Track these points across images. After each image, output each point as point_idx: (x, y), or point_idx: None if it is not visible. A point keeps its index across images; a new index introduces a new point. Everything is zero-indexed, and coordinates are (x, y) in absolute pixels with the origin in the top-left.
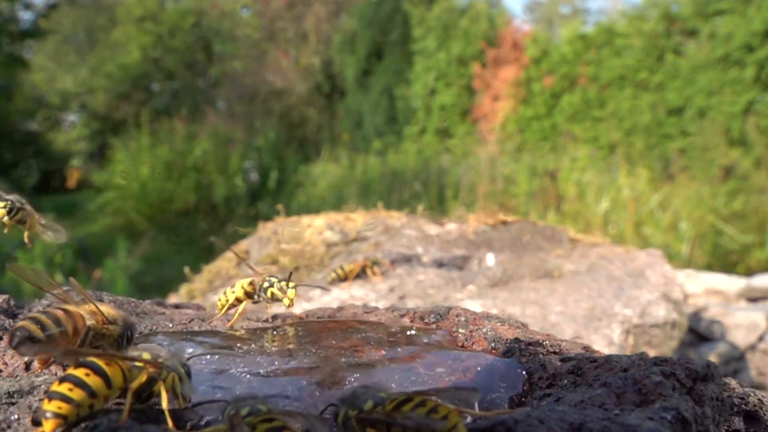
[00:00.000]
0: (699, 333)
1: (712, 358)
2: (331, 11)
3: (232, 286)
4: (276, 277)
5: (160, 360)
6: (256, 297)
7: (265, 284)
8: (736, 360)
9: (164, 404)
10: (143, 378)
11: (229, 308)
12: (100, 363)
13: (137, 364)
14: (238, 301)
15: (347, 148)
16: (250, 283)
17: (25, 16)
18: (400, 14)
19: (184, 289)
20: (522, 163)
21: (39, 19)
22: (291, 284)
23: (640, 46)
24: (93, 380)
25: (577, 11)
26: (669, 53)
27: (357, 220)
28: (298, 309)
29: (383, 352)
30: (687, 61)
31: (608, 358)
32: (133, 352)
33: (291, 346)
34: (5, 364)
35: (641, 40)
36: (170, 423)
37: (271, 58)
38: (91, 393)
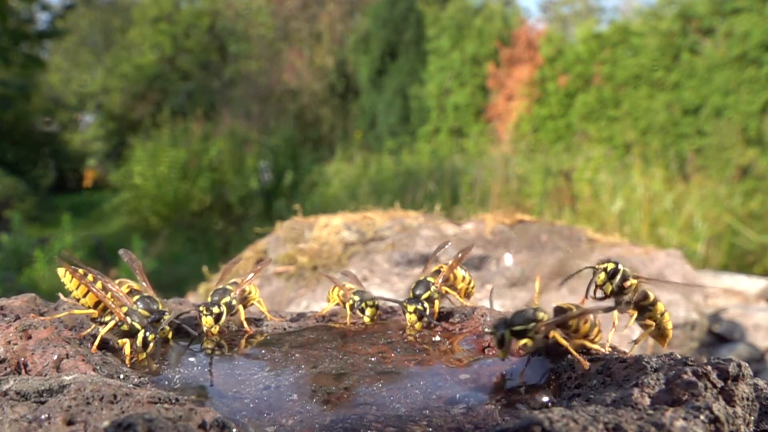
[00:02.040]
0: (718, 334)
1: None
2: (345, 11)
3: (332, 290)
4: (360, 295)
5: (125, 308)
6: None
7: (350, 300)
8: (756, 361)
9: (126, 350)
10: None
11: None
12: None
13: (113, 304)
14: (337, 305)
15: (361, 148)
16: (342, 294)
17: (42, 17)
18: (414, 14)
19: (202, 288)
20: (536, 162)
21: (56, 19)
22: (369, 303)
23: (656, 45)
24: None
25: (591, 10)
26: (685, 52)
27: (374, 219)
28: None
29: (409, 358)
30: (703, 60)
31: (638, 359)
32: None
33: (316, 352)
34: (34, 363)
35: (657, 38)
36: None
37: (286, 58)
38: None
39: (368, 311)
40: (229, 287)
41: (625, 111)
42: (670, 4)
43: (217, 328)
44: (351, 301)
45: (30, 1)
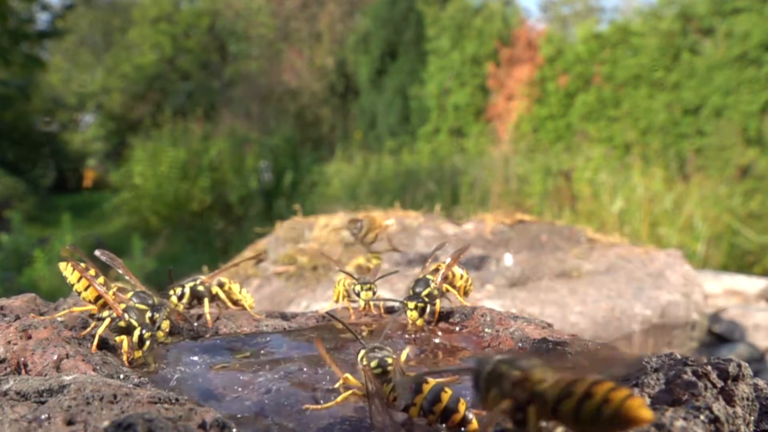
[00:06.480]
0: (718, 334)
1: None
2: (345, 11)
3: (338, 283)
4: (360, 281)
5: (122, 304)
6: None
7: (350, 286)
8: (756, 361)
9: (124, 346)
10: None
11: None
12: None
13: (111, 298)
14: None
15: (361, 148)
16: (348, 284)
17: (42, 17)
18: (414, 14)
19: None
20: (536, 162)
21: (56, 19)
22: (366, 287)
23: (656, 45)
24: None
25: (591, 10)
26: (685, 52)
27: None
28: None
29: (409, 358)
30: (703, 60)
31: (638, 359)
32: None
33: (316, 352)
34: (34, 363)
35: (657, 38)
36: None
37: (286, 58)
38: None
39: (363, 294)
40: (201, 276)
41: (625, 111)
42: (670, 4)
43: (181, 306)
44: (350, 287)
45: (30, 1)
